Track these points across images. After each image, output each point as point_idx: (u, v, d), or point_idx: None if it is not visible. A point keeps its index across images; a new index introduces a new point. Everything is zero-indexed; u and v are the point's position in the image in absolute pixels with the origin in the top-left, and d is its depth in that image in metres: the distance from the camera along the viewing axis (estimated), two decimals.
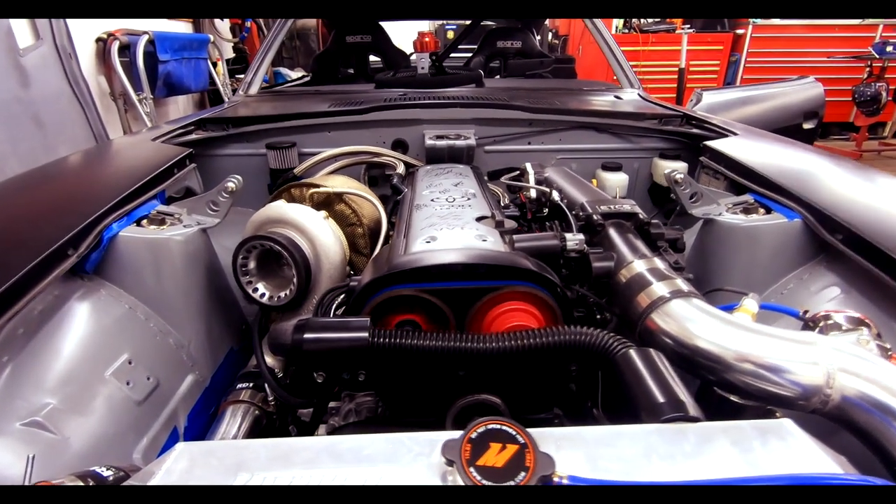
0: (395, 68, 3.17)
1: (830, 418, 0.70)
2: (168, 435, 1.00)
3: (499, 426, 0.55)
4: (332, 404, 1.06)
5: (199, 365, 1.16)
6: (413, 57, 2.37)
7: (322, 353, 0.80)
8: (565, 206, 1.19)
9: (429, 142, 1.82)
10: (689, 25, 7.32)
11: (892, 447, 0.64)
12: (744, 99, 2.98)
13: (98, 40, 3.82)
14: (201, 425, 1.12)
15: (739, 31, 7.37)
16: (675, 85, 6.53)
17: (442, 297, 0.90)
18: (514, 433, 0.54)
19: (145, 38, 3.91)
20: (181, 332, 1.14)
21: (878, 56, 6.00)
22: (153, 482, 0.53)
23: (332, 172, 1.77)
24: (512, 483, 0.50)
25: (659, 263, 0.95)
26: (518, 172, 1.87)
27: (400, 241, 1.02)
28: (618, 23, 7.38)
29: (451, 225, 1.06)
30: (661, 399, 0.65)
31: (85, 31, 3.70)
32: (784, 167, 1.31)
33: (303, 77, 4.38)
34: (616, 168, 1.90)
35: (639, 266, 0.95)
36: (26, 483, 0.72)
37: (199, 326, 1.19)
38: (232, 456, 0.55)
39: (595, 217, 1.09)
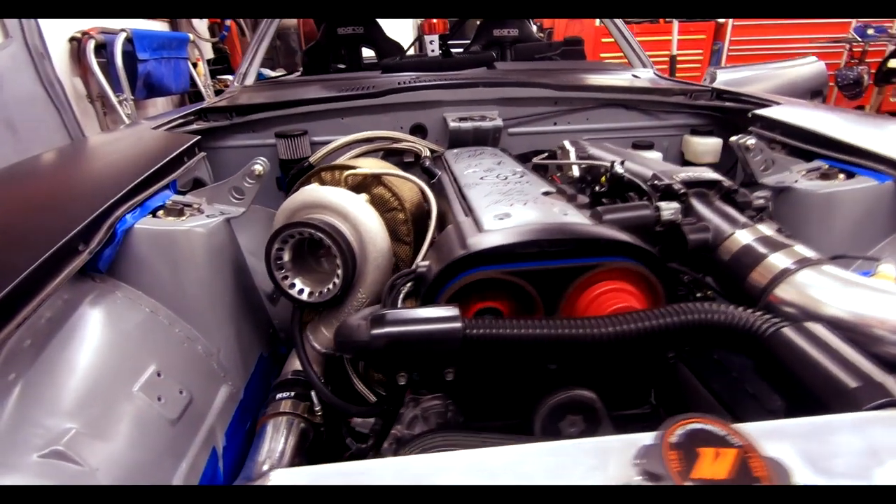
0: (401, 55, 3.03)
1: None
2: (207, 457, 0.86)
3: (701, 425, 0.42)
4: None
5: (230, 375, 1.01)
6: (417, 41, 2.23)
7: (408, 348, 0.67)
8: (630, 176, 1.08)
9: (453, 124, 1.69)
10: None
11: None
12: (754, 77, 2.92)
13: (72, 39, 3.59)
14: (239, 443, 0.97)
15: (721, 20, 7.41)
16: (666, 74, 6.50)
17: (528, 279, 0.78)
18: (723, 433, 0.42)
19: (123, 36, 3.69)
20: (209, 338, 0.99)
21: (860, 39, 6.07)
22: None
23: (355, 158, 1.63)
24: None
25: (766, 231, 0.84)
26: (546, 154, 1.76)
27: (467, 220, 0.90)
28: None
29: (520, 200, 0.93)
30: (852, 382, 0.54)
31: (57, 30, 3.48)
32: (857, 130, 1.22)
33: (286, 75, 4.20)
34: (648, 146, 1.80)
35: (743, 237, 0.84)
36: None
37: (229, 331, 1.04)
38: (356, 480, 0.42)
39: (676, 186, 0.97)
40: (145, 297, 0.94)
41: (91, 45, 3.56)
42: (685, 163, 1.89)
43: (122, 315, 0.88)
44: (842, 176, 1.12)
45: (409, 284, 0.83)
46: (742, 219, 0.88)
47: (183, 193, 1.24)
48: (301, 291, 1.02)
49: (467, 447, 0.77)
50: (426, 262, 0.83)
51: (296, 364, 1.11)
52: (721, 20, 7.36)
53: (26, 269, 0.70)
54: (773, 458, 0.40)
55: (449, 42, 3.32)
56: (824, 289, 0.71)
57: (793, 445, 0.45)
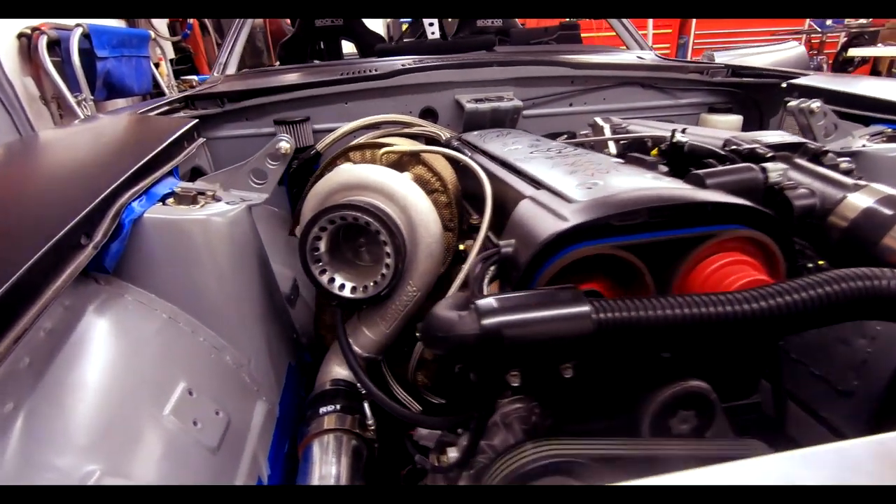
0: (370, 54, 2.89)
1: None
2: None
3: None
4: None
5: (264, 388, 0.86)
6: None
7: (530, 341, 0.54)
8: (700, 144, 0.98)
9: (469, 105, 1.57)
10: None
11: None
12: (742, 61, 2.93)
13: (21, 36, 3.29)
14: (282, 469, 0.82)
15: None
16: None
17: (637, 254, 0.67)
18: None
19: (79, 31, 3.41)
20: (237, 347, 0.83)
21: (819, 30, 6.29)
22: None
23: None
24: None
25: (886, 190, 0.75)
26: (566, 136, 1.66)
27: (543, 194, 0.77)
28: None
29: (598, 169, 0.82)
30: None
31: (3, 27, 3.18)
32: None
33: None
34: None
35: (860, 200, 0.75)
36: None
37: (258, 337, 0.88)
38: None
39: (761, 150, 0.88)
40: (160, 301, 0.77)
41: (43, 41, 3.26)
42: None
43: (136, 323, 0.72)
44: None
45: (492, 268, 0.70)
46: (849, 180, 0.79)
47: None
48: (342, 287, 0.88)
49: (578, 459, 0.66)
50: (509, 241, 0.71)
51: (333, 372, 0.97)
52: None
53: (20, 268, 0.54)
54: None
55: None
56: None
57: None
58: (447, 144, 1.34)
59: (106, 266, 0.72)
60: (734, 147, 0.91)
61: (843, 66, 6.62)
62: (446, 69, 1.63)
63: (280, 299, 1.03)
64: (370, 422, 0.86)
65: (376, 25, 7.11)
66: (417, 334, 0.65)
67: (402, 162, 1.03)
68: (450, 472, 0.72)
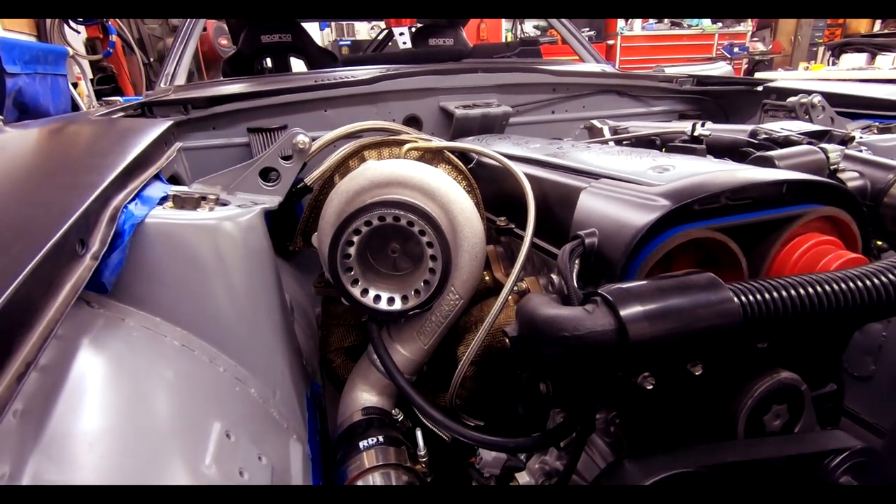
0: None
1: None
2: None
3: None
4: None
5: (292, 425, 0.71)
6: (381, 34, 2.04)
7: (675, 335, 0.46)
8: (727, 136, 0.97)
9: (459, 112, 1.51)
10: (588, 29, 7.82)
11: None
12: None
13: None
14: None
15: (611, 42, 8.10)
16: None
17: (732, 236, 0.62)
18: None
19: None
20: (260, 377, 0.69)
21: (728, 56, 6.94)
22: None
23: (348, 155, 1.37)
24: None
25: None
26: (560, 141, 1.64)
27: (606, 183, 0.71)
28: (506, 34, 7.69)
29: (655, 156, 0.77)
30: None
31: None
32: (887, 91, 1.24)
33: None
34: None
35: None
36: None
37: (280, 365, 0.74)
38: None
39: (795, 137, 0.88)
40: (169, 326, 0.62)
41: None
42: None
43: (146, 356, 0.57)
44: None
45: (577, 262, 0.62)
46: (893, 163, 0.80)
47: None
48: (378, 298, 0.76)
49: (695, 470, 0.58)
50: (589, 230, 0.64)
51: (361, 400, 0.84)
52: (611, 42, 8.03)
53: (7, 288, 0.39)
54: None
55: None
56: None
57: None
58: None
59: (104, 283, 0.57)
60: (766, 136, 0.90)
61: None
62: (430, 75, 1.57)
63: (292, 320, 0.89)
64: (422, 452, 0.74)
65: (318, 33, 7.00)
66: (508, 339, 0.56)
67: (424, 160, 0.93)
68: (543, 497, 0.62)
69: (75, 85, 4.38)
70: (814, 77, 5.80)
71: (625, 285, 0.49)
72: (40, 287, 0.44)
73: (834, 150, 0.76)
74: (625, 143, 1.30)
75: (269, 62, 3.29)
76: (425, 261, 0.75)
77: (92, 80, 4.65)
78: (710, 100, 1.85)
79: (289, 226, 1.07)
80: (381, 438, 0.74)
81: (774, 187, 0.63)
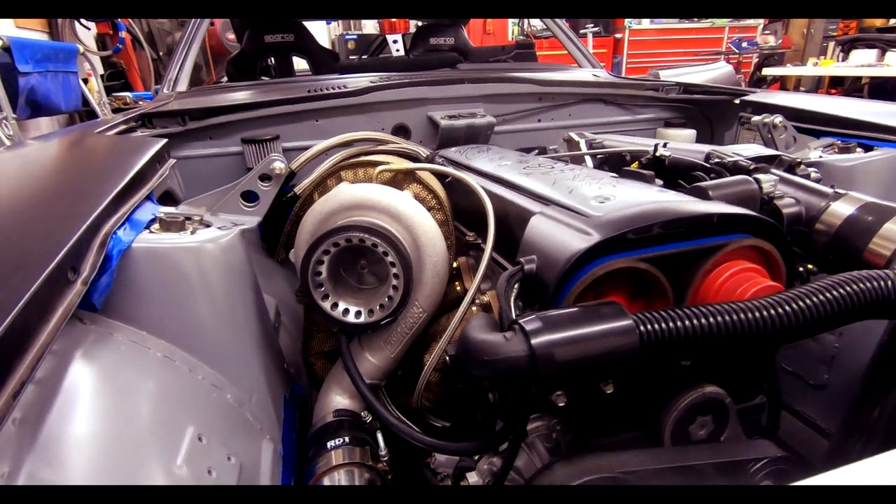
0: (324, 70, 2.84)
1: None
2: None
3: None
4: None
5: (266, 426, 0.80)
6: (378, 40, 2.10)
7: (578, 360, 0.53)
8: (683, 158, 1.03)
9: (444, 122, 1.57)
10: (592, 25, 7.77)
11: None
12: (683, 79, 3.13)
13: None
14: None
15: (618, 36, 8.04)
16: None
17: (656, 266, 0.68)
18: None
19: None
20: (237, 383, 0.77)
21: (737, 51, 6.87)
22: None
23: (337, 164, 1.44)
24: None
25: (864, 198, 0.81)
26: (536, 151, 1.70)
27: (553, 210, 0.78)
28: (513, 28, 7.67)
29: (608, 183, 0.84)
30: None
31: None
32: (851, 110, 1.28)
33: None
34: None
35: (843, 208, 0.81)
36: None
37: (256, 371, 0.82)
38: None
39: (743, 163, 0.93)
40: (153, 339, 0.70)
41: None
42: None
43: (131, 366, 0.64)
44: (859, 150, 1.16)
45: (516, 286, 0.69)
46: (828, 189, 0.85)
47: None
48: (347, 312, 0.84)
49: (616, 475, 0.65)
50: (530, 257, 0.70)
51: (333, 403, 0.92)
52: (619, 35, 7.97)
53: (8, 314, 0.47)
54: None
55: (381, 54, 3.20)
56: None
57: None
58: (430, 161, 1.33)
59: (94, 303, 0.65)
60: (718, 160, 0.96)
61: (757, 83, 7.27)
62: (418, 86, 1.63)
63: (271, 329, 0.97)
64: (383, 452, 0.82)
65: (321, 32, 7.05)
66: (448, 357, 0.63)
67: (396, 180, 1.00)
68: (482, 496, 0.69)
69: (86, 81, 4.49)
70: (822, 73, 5.75)
71: (540, 315, 0.56)
72: (36, 313, 0.52)
73: (767, 181, 0.81)
74: (598, 157, 1.36)
75: (272, 60, 3.35)
76: (389, 278, 0.82)
77: (102, 76, 4.75)
78: (695, 108, 1.89)
79: (281, 233, 1.14)
80: (347, 439, 0.82)
81: (699, 220, 0.69)
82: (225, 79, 3.28)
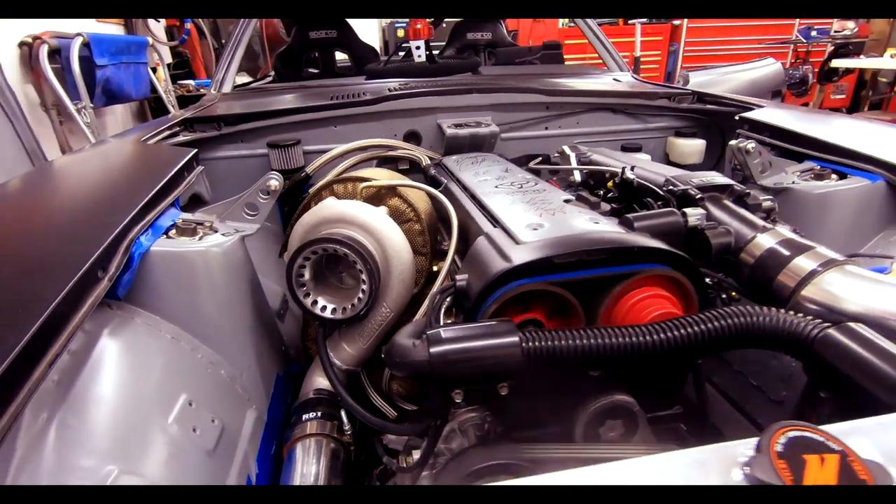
0: (364, 65, 3.00)
1: None
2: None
3: (800, 432, 0.44)
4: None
5: (254, 398, 0.98)
6: (411, 45, 2.22)
7: (468, 366, 0.66)
8: (644, 182, 1.11)
9: (450, 131, 1.69)
10: None
11: None
12: (720, 79, 3.05)
13: (22, 44, 3.39)
14: (269, 468, 0.94)
15: (676, 22, 7.70)
16: None
17: (569, 289, 0.79)
18: (821, 439, 0.44)
19: (79, 40, 3.50)
20: (231, 362, 0.96)
21: (804, 40, 6.44)
22: None
23: (348, 169, 1.60)
24: None
25: (786, 234, 0.88)
26: (540, 159, 1.78)
27: (497, 232, 0.90)
28: None
29: (547, 209, 0.94)
30: None
31: (4, 35, 3.27)
32: (843, 133, 1.29)
33: (260, 79, 4.11)
34: (636, 149, 1.85)
35: (765, 240, 0.88)
36: None
37: (249, 353, 1.00)
38: None
39: (692, 191, 1.01)
40: (165, 323, 0.89)
41: (44, 50, 3.36)
42: (669, 164, 1.95)
43: (144, 344, 0.83)
44: (834, 176, 1.19)
45: (448, 299, 0.83)
46: (760, 222, 0.92)
47: (183, 209, 1.19)
48: (324, 308, 1.00)
49: (517, 462, 0.78)
50: (464, 276, 0.83)
51: (316, 382, 1.09)
52: (677, 22, 7.64)
53: (51, 302, 0.66)
54: (871, 460, 0.42)
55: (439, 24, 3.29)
56: (851, 288, 0.75)
57: (871, 441, 0.48)
58: (426, 171, 1.46)
59: (118, 294, 0.84)
60: (671, 188, 1.04)
61: (828, 75, 6.79)
62: (429, 96, 1.75)
63: (269, 316, 1.15)
64: (346, 427, 0.98)
65: (372, 30, 7.22)
66: (382, 356, 0.77)
67: (380, 195, 1.15)
68: (412, 471, 0.84)
69: (154, 70, 4.89)
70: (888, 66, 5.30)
71: (445, 328, 0.69)
72: (72, 302, 0.70)
73: (693, 215, 0.89)
74: (584, 171, 1.44)
75: (316, 55, 3.55)
76: (360, 282, 0.97)
77: (169, 65, 5.15)
78: (706, 118, 1.90)
79: None
80: (320, 413, 0.99)
81: (609, 251, 0.79)
82: (272, 74, 3.52)
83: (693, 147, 1.87)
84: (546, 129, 1.89)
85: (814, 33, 6.39)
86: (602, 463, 0.79)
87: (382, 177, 1.21)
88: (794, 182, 1.19)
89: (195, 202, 1.34)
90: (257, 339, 1.03)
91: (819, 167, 1.23)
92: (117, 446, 0.68)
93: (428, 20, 2.23)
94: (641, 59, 7.59)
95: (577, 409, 0.83)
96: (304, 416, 0.99)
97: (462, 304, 0.82)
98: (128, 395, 0.74)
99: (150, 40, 4.66)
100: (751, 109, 1.66)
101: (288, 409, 1.09)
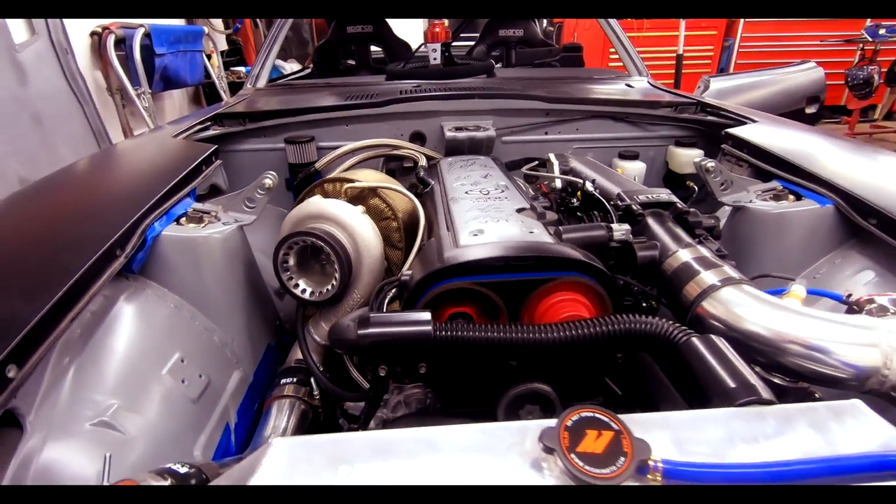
0: (397, 59, 3.15)
1: (887, 399, 0.73)
2: (221, 432, 1.02)
3: (592, 414, 0.56)
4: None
5: (242, 362, 1.17)
6: (422, 47, 2.35)
7: (387, 347, 0.81)
8: (598, 195, 1.21)
9: (449, 134, 1.82)
10: None
11: None
12: (749, 85, 3.00)
13: (93, 34, 3.75)
14: (249, 420, 1.13)
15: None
16: (673, 71, 6.52)
17: (494, 289, 0.92)
18: (607, 420, 0.56)
19: (141, 31, 3.84)
20: (224, 330, 1.15)
21: (871, 39, 6.05)
22: (255, 480, 0.54)
23: (354, 166, 1.77)
24: (613, 468, 0.52)
25: (703, 252, 0.97)
26: (537, 163, 1.88)
27: (446, 235, 1.03)
28: None
29: (494, 217, 1.07)
30: (732, 384, 0.68)
31: (79, 26, 3.63)
32: (811, 154, 1.33)
33: (300, 70, 4.35)
34: (633, 157, 1.91)
35: (684, 255, 0.97)
36: (105, 482, 0.73)
37: (240, 323, 1.19)
38: (331, 450, 0.57)
39: (634, 207, 1.10)
40: (170, 294, 1.09)
41: (111, 39, 3.71)
42: (669, 172, 2.00)
43: (152, 310, 1.03)
44: (791, 197, 1.24)
45: (393, 290, 0.98)
46: (687, 239, 1.01)
47: (202, 197, 1.39)
48: (304, 291, 1.17)
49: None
50: (409, 271, 0.97)
51: (299, 353, 1.27)
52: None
53: (77, 271, 0.85)
54: (640, 438, 0.54)
55: (454, 42, 3.42)
56: (742, 305, 0.84)
57: (671, 432, 0.59)
58: (417, 172, 1.61)
59: (133, 269, 1.04)
60: (617, 203, 1.14)
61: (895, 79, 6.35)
62: (434, 99, 1.88)
63: (265, 293, 1.34)
64: (316, 393, 1.16)
65: (416, 25, 7.34)
66: (328, 334, 0.93)
67: (363, 194, 1.30)
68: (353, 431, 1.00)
69: (209, 57, 5.23)
70: None
71: (372, 315, 0.83)
72: (94, 272, 0.90)
73: (618, 230, 0.99)
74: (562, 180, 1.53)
75: (353, 48, 3.74)
76: (334, 271, 1.14)
77: (222, 53, 5.49)
78: (706, 129, 1.93)
79: None
80: (296, 379, 1.17)
81: (530, 258, 0.91)
82: (311, 66, 3.74)
83: (690, 157, 1.90)
84: (546, 133, 1.98)
85: (882, 31, 5.98)
86: None
87: (369, 178, 1.36)
88: (751, 201, 1.26)
89: (214, 192, 1.54)
90: (249, 313, 1.22)
91: (781, 187, 1.28)
92: (120, 387, 0.87)
93: (446, 21, 2.35)
94: (690, 55, 7.35)
95: (500, 393, 0.97)
96: (283, 381, 1.17)
97: (404, 295, 0.97)
98: (132, 349, 0.94)
99: (207, 29, 4.98)
100: (745, 124, 1.70)
101: (275, 374, 1.28)
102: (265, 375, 1.25)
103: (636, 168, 1.89)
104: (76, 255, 0.90)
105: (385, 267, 1.22)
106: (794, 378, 0.83)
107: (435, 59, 2.26)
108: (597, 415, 0.56)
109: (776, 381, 0.86)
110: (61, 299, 0.80)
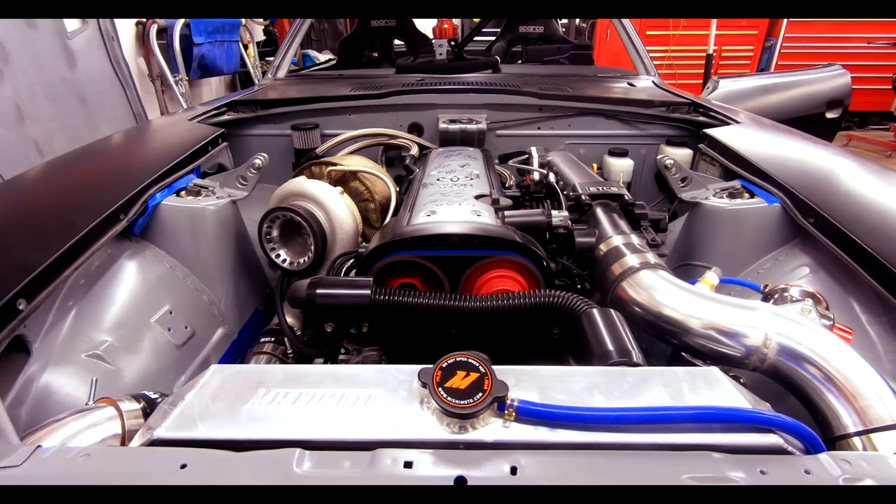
0: (417, 52, 3.27)
1: (767, 374, 0.80)
2: None
3: (466, 359, 0.67)
4: (340, 357, 1.21)
5: (228, 320, 1.32)
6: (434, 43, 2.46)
7: (331, 306, 0.94)
8: (559, 187, 1.30)
9: (442, 125, 1.93)
10: None
11: (815, 397, 0.74)
12: (763, 87, 2.97)
13: (138, 24, 4.02)
14: None
15: None
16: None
17: (438, 263, 1.03)
18: (477, 364, 0.67)
19: (181, 21, 4.08)
20: (213, 291, 1.30)
21: None
22: (190, 395, 0.67)
23: (352, 153, 1.90)
24: (471, 400, 0.62)
25: (634, 239, 1.05)
26: (527, 156, 1.97)
27: (404, 214, 1.15)
28: None
29: (451, 201, 1.17)
30: (610, 347, 0.77)
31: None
32: (773, 155, 1.37)
33: (330, 60, 4.52)
34: (622, 154, 1.97)
35: (616, 241, 1.05)
36: (90, 401, 0.88)
37: (229, 287, 1.34)
38: (255, 377, 0.70)
39: (583, 197, 1.19)
40: (167, 256, 1.25)
41: (154, 28, 3.97)
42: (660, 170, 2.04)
43: (148, 268, 1.19)
44: (746, 195, 1.29)
45: (351, 261, 1.10)
46: (623, 227, 1.09)
47: (209, 174, 1.55)
48: (284, 261, 1.31)
49: None
50: (367, 245, 1.10)
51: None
52: None
53: (83, 229, 1.01)
54: (501, 381, 0.64)
55: (476, 36, 3.52)
56: (653, 288, 0.92)
57: (539, 382, 0.69)
58: (403, 159, 1.72)
59: (135, 232, 1.21)
60: (568, 193, 1.22)
61: None
62: (431, 93, 2.00)
63: (256, 263, 1.49)
64: (290, 351, 1.30)
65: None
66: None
67: (345, 178, 1.43)
68: None
69: (246, 47, 5.48)
70: None
71: (325, 278, 0.96)
72: (98, 232, 1.06)
73: (557, 217, 1.08)
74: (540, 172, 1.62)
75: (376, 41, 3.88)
76: (309, 243, 1.27)
77: (258, 43, 5.74)
78: (694, 129, 1.97)
79: None
80: (274, 339, 1.31)
81: (468, 237, 1.01)
82: (336, 59, 3.90)
83: (679, 156, 1.95)
84: (539, 128, 2.06)
85: None
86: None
87: (354, 163, 1.49)
88: (706, 198, 1.31)
89: (220, 170, 1.71)
90: (238, 279, 1.37)
91: (739, 186, 1.33)
92: (113, 328, 1.03)
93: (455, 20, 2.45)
94: (729, 55, 7.17)
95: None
96: (262, 339, 1.31)
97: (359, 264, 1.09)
98: (128, 298, 1.10)
99: (243, 20, 5.22)
100: (728, 125, 1.74)
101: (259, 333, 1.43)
102: (250, 335, 1.40)
103: (624, 165, 1.95)
104: (85, 217, 1.06)
105: (361, 243, 1.34)
106: (700, 358, 0.91)
107: (441, 54, 2.37)
108: (469, 360, 0.67)
109: (697, 363, 0.94)
110: (68, 251, 0.96)
